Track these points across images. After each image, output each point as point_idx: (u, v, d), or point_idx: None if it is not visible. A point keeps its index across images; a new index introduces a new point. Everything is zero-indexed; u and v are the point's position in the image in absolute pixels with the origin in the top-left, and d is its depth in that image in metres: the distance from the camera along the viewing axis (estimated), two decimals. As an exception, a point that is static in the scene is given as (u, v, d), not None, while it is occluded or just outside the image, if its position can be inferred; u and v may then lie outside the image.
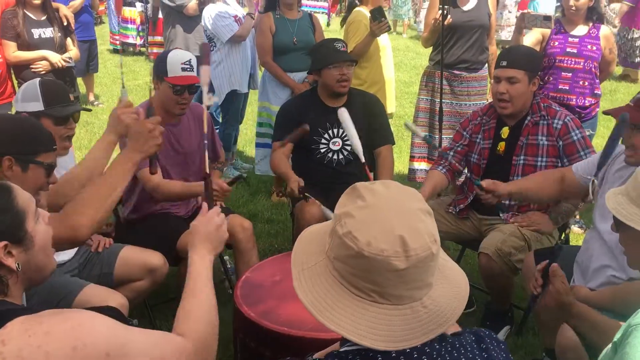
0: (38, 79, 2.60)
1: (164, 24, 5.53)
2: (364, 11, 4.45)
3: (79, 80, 6.41)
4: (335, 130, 3.43)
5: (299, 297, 1.14)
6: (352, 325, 1.08)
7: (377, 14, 4.10)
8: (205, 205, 1.68)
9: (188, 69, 3.01)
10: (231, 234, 3.10)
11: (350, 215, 1.10)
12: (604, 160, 2.29)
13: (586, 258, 2.38)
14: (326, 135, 3.43)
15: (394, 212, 1.10)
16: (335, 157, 3.45)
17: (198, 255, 1.58)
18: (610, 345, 1.54)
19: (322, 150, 3.44)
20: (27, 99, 2.51)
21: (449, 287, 1.17)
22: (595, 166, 2.41)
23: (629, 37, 8.90)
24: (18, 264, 1.32)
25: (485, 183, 2.69)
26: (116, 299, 2.42)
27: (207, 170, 1.82)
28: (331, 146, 3.44)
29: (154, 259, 2.75)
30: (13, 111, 4.51)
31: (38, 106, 2.47)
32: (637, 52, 9.00)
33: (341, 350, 1.15)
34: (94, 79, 7.77)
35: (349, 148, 3.43)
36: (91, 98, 7.64)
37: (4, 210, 1.32)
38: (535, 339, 2.97)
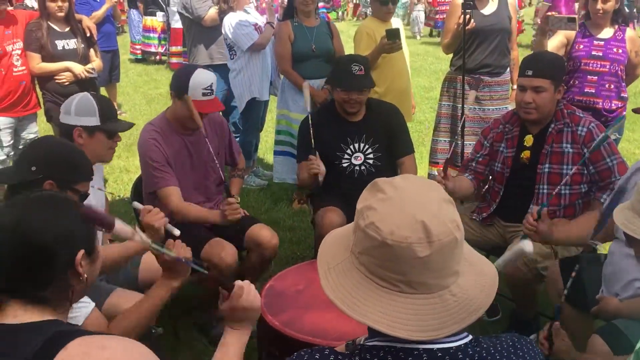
0: (89, 94, 2.69)
1: (186, 36, 5.44)
2: (374, 21, 4.45)
3: (102, 90, 6.49)
4: (356, 145, 3.41)
5: (326, 295, 1.14)
6: (382, 317, 1.08)
7: (392, 35, 4.00)
8: (224, 291, 1.64)
9: (209, 94, 3.02)
10: (257, 244, 3.08)
11: (371, 208, 1.12)
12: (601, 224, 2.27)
13: (612, 271, 2.33)
14: (348, 151, 3.41)
15: (414, 201, 1.11)
16: (357, 168, 3.43)
17: (232, 336, 1.60)
18: (632, 355, 1.52)
19: (345, 165, 3.42)
20: (83, 114, 2.61)
21: (479, 277, 1.16)
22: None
23: None
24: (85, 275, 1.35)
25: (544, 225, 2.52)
26: None
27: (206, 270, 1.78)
28: (353, 161, 3.42)
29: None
30: (38, 121, 4.62)
31: (94, 121, 2.60)
32: None
33: (368, 344, 1.14)
34: (117, 88, 7.86)
35: (370, 161, 3.42)
36: (114, 107, 7.72)
37: (84, 221, 1.37)
38: (562, 347, 2.92)
